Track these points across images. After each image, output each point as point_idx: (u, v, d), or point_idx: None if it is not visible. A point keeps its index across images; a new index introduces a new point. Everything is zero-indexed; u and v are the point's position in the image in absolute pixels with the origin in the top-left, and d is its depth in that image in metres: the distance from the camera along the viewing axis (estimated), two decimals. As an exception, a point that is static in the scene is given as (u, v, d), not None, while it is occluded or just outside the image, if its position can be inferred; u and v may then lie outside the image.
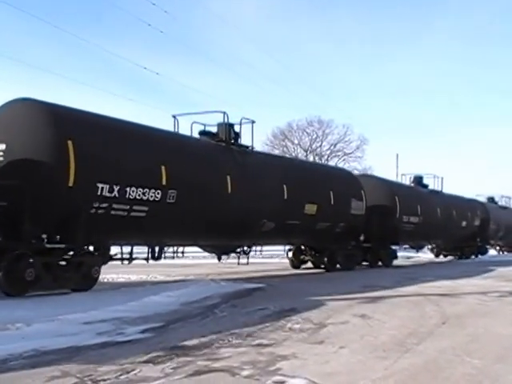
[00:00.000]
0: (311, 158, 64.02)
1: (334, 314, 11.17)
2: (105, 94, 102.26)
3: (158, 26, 71.69)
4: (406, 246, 37.63)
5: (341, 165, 63.00)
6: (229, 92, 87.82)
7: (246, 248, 21.08)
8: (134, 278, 17.75)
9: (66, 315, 9.89)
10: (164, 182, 15.43)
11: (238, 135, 19.56)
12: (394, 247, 30.88)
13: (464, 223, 38.93)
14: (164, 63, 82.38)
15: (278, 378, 6.46)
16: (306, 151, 67.37)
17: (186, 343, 8.13)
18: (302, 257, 25.95)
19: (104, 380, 6.20)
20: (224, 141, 18.96)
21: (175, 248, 18.68)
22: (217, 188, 17.62)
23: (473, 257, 42.27)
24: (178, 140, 17.94)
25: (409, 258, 40.54)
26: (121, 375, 6.40)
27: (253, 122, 19.72)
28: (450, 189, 39.87)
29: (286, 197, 20.43)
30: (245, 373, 6.63)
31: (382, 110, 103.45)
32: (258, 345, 8.18)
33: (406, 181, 35.54)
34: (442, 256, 42.55)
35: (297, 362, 7.23)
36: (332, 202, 23.24)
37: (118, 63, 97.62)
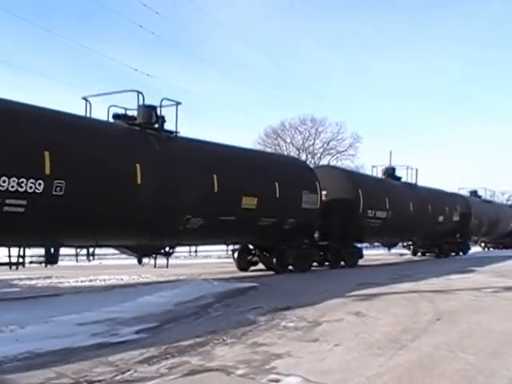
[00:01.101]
0: (303, 157, 63.86)
1: (329, 312, 11.19)
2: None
3: (150, 27, 71.65)
4: (378, 244, 34.09)
5: (333, 163, 62.85)
6: (222, 92, 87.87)
7: (167, 249, 17.37)
8: (126, 278, 17.70)
9: (60, 317, 9.87)
10: (48, 171, 12.79)
11: (162, 119, 16.91)
12: (359, 245, 27.80)
13: (441, 218, 35.07)
14: (156, 65, 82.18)
15: (272, 376, 6.48)
16: (299, 150, 67.25)
17: (181, 343, 8.13)
18: (249, 257, 22.74)
19: (99, 381, 6.21)
20: (139, 125, 16.27)
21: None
22: (122, 179, 14.84)
23: (453, 254, 38.88)
24: (70, 121, 14.49)
25: (402, 255, 38.48)
26: (116, 376, 6.40)
27: (177, 103, 17.19)
28: (440, 184, 38.67)
29: (216, 189, 17.22)
30: (240, 372, 6.65)
31: (376, 108, 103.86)
32: (253, 344, 8.20)
33: (378, 173, 32.40)
34: (420, 254, 38.83)
35: (291, 360, 7.25)
36: (277, 195, 20.01)
37: (108, 65, 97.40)
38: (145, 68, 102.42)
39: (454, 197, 39.18)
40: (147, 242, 16.27)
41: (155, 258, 17.15)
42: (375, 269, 26.46)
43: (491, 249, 51.63)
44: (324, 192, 23.58)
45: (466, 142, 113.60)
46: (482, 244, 52.22)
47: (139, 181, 14.92)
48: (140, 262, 17.26)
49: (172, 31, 78.69)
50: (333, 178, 25.23)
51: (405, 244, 37.30)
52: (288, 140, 68.48)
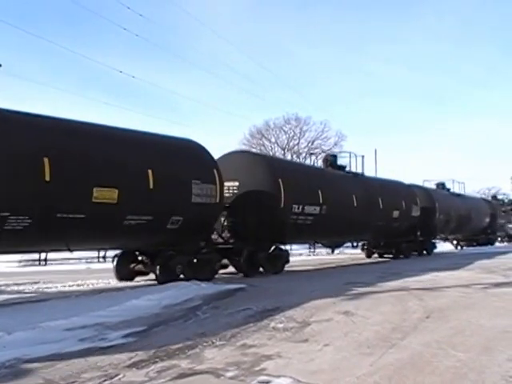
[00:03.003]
0: (289, 157, 63.96)
1: (318, 312, 11.15)
2: (80, 98, 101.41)
3: (134, 30, 71.66)
4: (319, 245, 29.21)
5: (319, 163, 62.81)
6: (206, 93, 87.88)
7: None
8: (113, 282, 17.58)
9: (47, 322, 9.75)
10: None
11: None
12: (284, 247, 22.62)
13: (396, 213, 30.02)
14: (141, 67, 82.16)
15: (262, 378, 6.45)
16: (284, 149, 67.44)
17: (170, 346, 8.06)
18: (132, 265, 17.91)
19: (88, 386, 6.15)
20: None
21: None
22: None
23: (415, 253, 34.20)
24: None
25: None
26: (105, 381, 6.34)
27: None
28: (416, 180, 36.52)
29: (48, 178, 13.04)
30: (229, 374, 6.61)
31: (361, 106, 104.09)
32: (242, 345, 8.15)
33: (318, 163, 28.57)
34: (377, 255, 33.57)
35: (281, 361, 7.22)
36: (151, 186, 15.45)
37: (93, 67, 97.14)
38: (130, 70, 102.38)
39: (411, 189, 33.99)
40: None
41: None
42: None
43: (464, 247, 48.03)
44: (235, 183, 20.62)
45: (454, 139, 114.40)
46: (454, 242, 48.47)
47: None
48: None
49: (156, 33, 78.85)
50: (247, 165, 21.08)
51: (355, 244, 32.07)
52: (273, 140, 68.61)
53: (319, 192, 22.90)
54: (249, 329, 9.46)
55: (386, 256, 32.83)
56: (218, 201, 17.84)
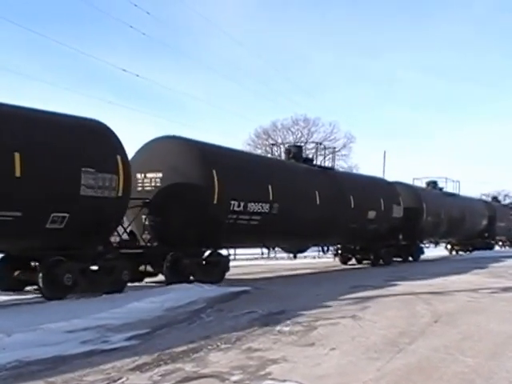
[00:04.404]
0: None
1: (324, 316, 11.03)
2: (85, 97, 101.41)
3: (141, 28, 71.54)
4: (278, 249, 25.73)
5: (327, 164, 62.20)
6: (212, 93, 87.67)
7: None
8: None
9: (48, 324, 9.63)
10: None
11: None
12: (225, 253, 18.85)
13: (372, 214, 25.95)
14: (146, 66, 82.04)
15: (268, 382, 6.36)
16: (290, 150, 66.75)
17: (174, 349, 7.95)
18: (16, 273, 14.08)
19: (91, 390, 6.04)
20: None
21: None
22: None
23: (399, 259, 30.43)
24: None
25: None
26: (108, 384, 6.23)
27: None
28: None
29: None
30: (234, 378, 6.51)
31: (371, 108, 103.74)
32: (248, 349, 8.04)
33: (281, 155, 25.03)
34: (354, 261, 29.53)
35: (287, 365, 7.11)
36: (18, 174, 11.97)
37: (97, 66, 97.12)
38: (135, 69, 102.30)
39: (393, 186, 29.98)
40: None
41: None
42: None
43: (460, 252, 44.02)
44: (157, 175, 17.10)
45: (467, 143, 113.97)
46: (449, 246, 44.60)
47: None
48: None
49: (163, 32, 78.36)
50: (173, 154, 17.33)
51: (325, 249, 27.75)
52: (279, 141, 68.33)
53: (269, 187, 19.15)
54: (254, 332, 9.35)
55: (365, 262, 28.90)
56: (120, 194, 14.30)
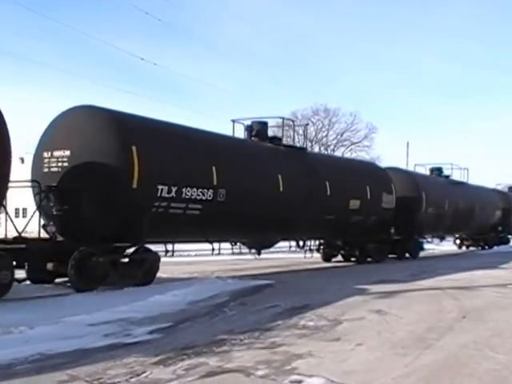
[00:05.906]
0: (316, 149, 62.73)
1: (349, 310, 10.89)
2: (101, 87, 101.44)
3: (157, 14, 71.16)
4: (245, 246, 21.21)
5: (347, 155, 61.27)
6: (232, 82, 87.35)
7: None
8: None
9: (70, 317, 9.58)
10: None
11: None
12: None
13: (355, 204, 22.11)
14: (163, 54, 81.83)
15: (294, 377, 6.22)
16: (312, 141, 66.27)
17: (197, 343, 7.84)
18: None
19: (114, 383, 5.94)
20: None
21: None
22: None
23: (393, 256, 26.54)
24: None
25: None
26: (131, 378, 6.13)
27: None
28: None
29: None
30: (260, 373, 6.39)
31: (393, 97, 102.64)
32: (272, 343, 7.91)
33: (241, 133, 20.29)
34: (341, 258, 25.29)
35: (313, 360, 6.98)
36: None
37: (114, 54, 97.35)
38: (152, 57, 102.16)
39: (386, 173, 26.07)
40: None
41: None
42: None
43: (471, 247, 39.39)
44: (65, 153, 13.99)
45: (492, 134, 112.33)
46: (458, 241, 39.67)
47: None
48: None
49: (179, 18, 77.87)
50: (85, 127, 14.10)
51: (301, 244, 21.99)
52: (300, 132, 68.00)
53: (213, 169, 15.90)
54: (278, 326, 9.23)
55: (353, 260, 24.90)
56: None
